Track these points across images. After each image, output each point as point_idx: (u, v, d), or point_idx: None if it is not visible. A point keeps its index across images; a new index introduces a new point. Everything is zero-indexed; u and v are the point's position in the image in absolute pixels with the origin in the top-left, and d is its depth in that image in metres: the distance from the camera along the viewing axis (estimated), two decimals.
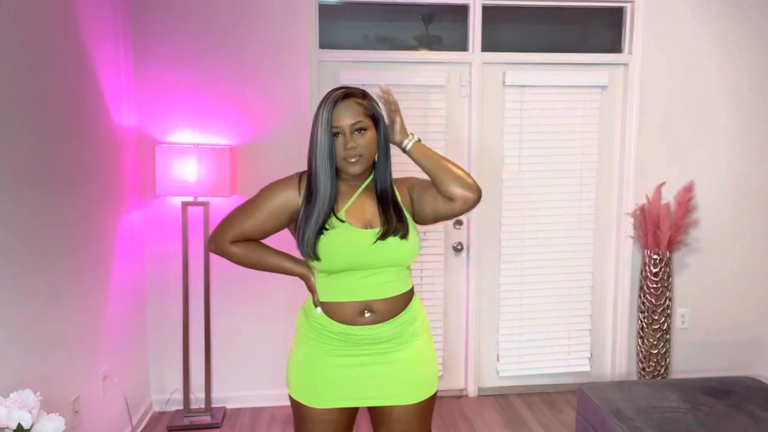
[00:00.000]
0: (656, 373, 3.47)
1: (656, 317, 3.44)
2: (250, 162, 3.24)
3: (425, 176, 1.73)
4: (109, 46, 2.85)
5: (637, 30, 3.43)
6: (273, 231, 1.72)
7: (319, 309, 1.70)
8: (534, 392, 3.60)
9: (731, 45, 3.50)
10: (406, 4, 3.36)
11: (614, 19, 3.52)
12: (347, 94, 1.65)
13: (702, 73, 3.51)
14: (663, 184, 3.50)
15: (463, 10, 3.37)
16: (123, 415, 2.93)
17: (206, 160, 2.96)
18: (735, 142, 3.58)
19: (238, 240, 1.71)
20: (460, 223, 3.47)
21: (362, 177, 1.71)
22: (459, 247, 3.47)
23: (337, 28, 3.37)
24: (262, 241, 1.75)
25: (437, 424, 3.20)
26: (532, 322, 3.57)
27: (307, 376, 1.72)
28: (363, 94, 1.67)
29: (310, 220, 1.63)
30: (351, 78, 3.15)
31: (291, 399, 1.77)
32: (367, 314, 1.67)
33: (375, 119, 1.68)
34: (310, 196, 1.65)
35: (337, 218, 1.66)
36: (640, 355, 3.50)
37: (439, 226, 3.42)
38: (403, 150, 1.72)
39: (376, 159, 1.70)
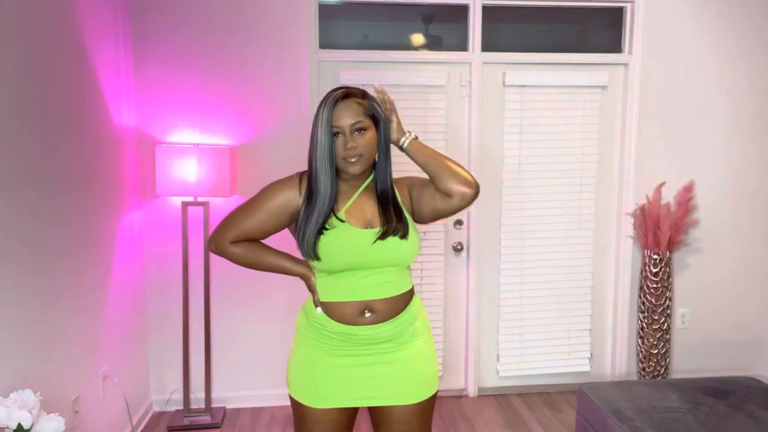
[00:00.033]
0: (656, 373, 3.47)
1: (656, 317, 3.44)
2: (250, 162, 3.24)
3: (425, 176, 1.73)
4: (109, 46, 2.85)
5: (637, 30, 3.43)
6: (273, 231, 1.72)
7: (319, 309, 1.70)
8: (534, 392, 3.60)
9: (731, 45, 3.50)
10: (406, 4, 3.37)
11: (614, 19, 3.52)
12: (347, 94, 1.65)
13: (702, 73, 3.51)
14: (663, 184, 3.50)
15: (463, 10, 3.37)
16: (123, 415, 2.93)
17: (206, 160, 2.96)
18: (735, 142, 3.58)
19: (238, 240, 1.71)
20: (460, 223, 3.47)
21: (362, 177, 1.71)
22: (459, 247, 3.47)
23: (337, 28, 3.37)
24: (263, 241, 1.75)
25: (437, 424, 3.20)
26: (532, 322, 3.57)
27: (308, 376, 1.72)
28: (363, 94, 1.68)
29: (311, 220, 1.63)
30: (351, 78, 3.15)
31: (291, 399, 1.77)
32: (367, 314, 1.67)
33: (375, 119, 1.68)
34: (310, 196, 1.65)
35: (337, 218, 1.66)
36: (640, 355, 3.50)
37: (440, 226, 3.42)
38: (401, 148, 1.72)
39: (376, 159, 1.70)
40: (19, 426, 1.51)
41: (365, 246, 1.65)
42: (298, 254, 1.71)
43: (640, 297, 3.49)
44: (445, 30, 3.49)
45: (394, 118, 1.72)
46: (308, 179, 1.67)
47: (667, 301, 3.44)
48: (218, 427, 3.16)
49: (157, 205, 3.24)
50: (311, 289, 1.72)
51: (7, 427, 1.52)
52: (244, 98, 3.24)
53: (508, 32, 3.53)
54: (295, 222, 1.69)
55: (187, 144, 3.09)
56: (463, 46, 3.40)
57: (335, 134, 1.63)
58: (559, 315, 3.58)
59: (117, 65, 2.94)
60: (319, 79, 3.27)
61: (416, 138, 1.73)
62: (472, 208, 3.41)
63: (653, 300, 3.43)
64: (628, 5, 3.46)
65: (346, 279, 1.67)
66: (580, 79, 3.44)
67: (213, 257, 3.12)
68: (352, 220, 1.68)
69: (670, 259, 3.44)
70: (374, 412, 1.79)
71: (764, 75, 3.55)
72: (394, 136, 1.72)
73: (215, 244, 1.73)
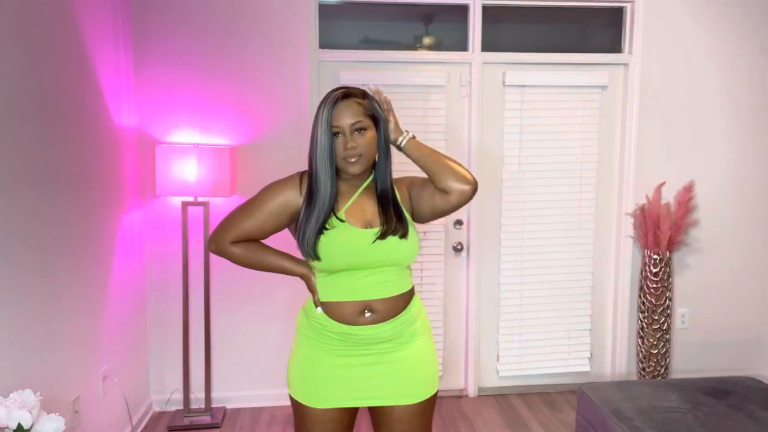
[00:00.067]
0: (656, 373, 3.47)
1: (656, 317, 3.44)
2: (250, 162, 3.24)
3: (425, 176, 1.73)
4: (109, 46, 2.85)
5: (637, 30, 3.43)
6: (273, 231, 1.72)
7: (319, 309, 1.70)
8: (534, 392, 3.60)
9: (731, 45, 3.50)
10: (406, 4, 3.37)
11: (614, 19, 3.52)
12: (347, 94, 1.65)
13: (702, 73, 3.51)
14: (663, 184, 3.50)
15: (463, 10, 3.37)
16: (123, 415, 2.93)
17: (206, 160, 2.96)
18: (735, 142, 3.58)
19: (238, 240, 1.71)
20: (460, 223, 3.47)
21: (362, 177, 1.71)
22: (459, 247, 3.47)
23: (337, 28, 3.37)
24: (263, 241, 1.75)
25: (437, 424, 3.20)
26: (532, 322, 3.57)
27: (308, 376, 1.72)
28: (363, 94, 1.68)
29: (311, 220, 1.63)
30: (351, 78, 3.15)
31: (291, 399, 1.77)
32: (368, 314, 1.67)
33: (375, 119, 1.68)
34: (310, 195, 1.65)
35: (337, 218, 1.66)
36: (640, 355, 3.50)
37: (440, 225, 3.42)
38: (398, 147, 1.72)
39: (376, 159, 1.70)
40: (19, 426, 1.51)
41: (365, 246, 1.65)
42: (298, 254, 1.71)
43: (640, 297, 3.50)
44: (445, 30, 3.49)
45: (391, 118, 1.72)
46: (308, 179, 1.67)
47: (667, 301, 3.44)
48: (218, 427, 3.16)
49: (157, 205, 3.24)
50: (311, 289, 1.72)
51: (7, 427, 1.52)
52: (244, 98, 3.24)
53: (508, 32, 3.53)
54: (295, 222, 1.69)
55: (187, 144, 3.09)
56: (463, 46, 3.40)
57: (335, 134, 1.63)
58: (559, 315, 3.58)
59: (117, 65, 2.94)
60: (319, 79, 3.27)
61: (414, 137, 1.73)
62: (472, 208, 3.41)
63: (653, 300, 3.43)
64: (628, 5, 3.46)
65: (346, 279, 1.67)
66: (580, 79, 3.44)
67: (213, 257, 3.12)
68: (352, 220, 1.68)
69: (670, 259, 3.44)
70: (374, 412, 1.79)
71: (764, 75, 3.55)
72: (391, 135, 1.72)
73: (215, 244, 1.73)
